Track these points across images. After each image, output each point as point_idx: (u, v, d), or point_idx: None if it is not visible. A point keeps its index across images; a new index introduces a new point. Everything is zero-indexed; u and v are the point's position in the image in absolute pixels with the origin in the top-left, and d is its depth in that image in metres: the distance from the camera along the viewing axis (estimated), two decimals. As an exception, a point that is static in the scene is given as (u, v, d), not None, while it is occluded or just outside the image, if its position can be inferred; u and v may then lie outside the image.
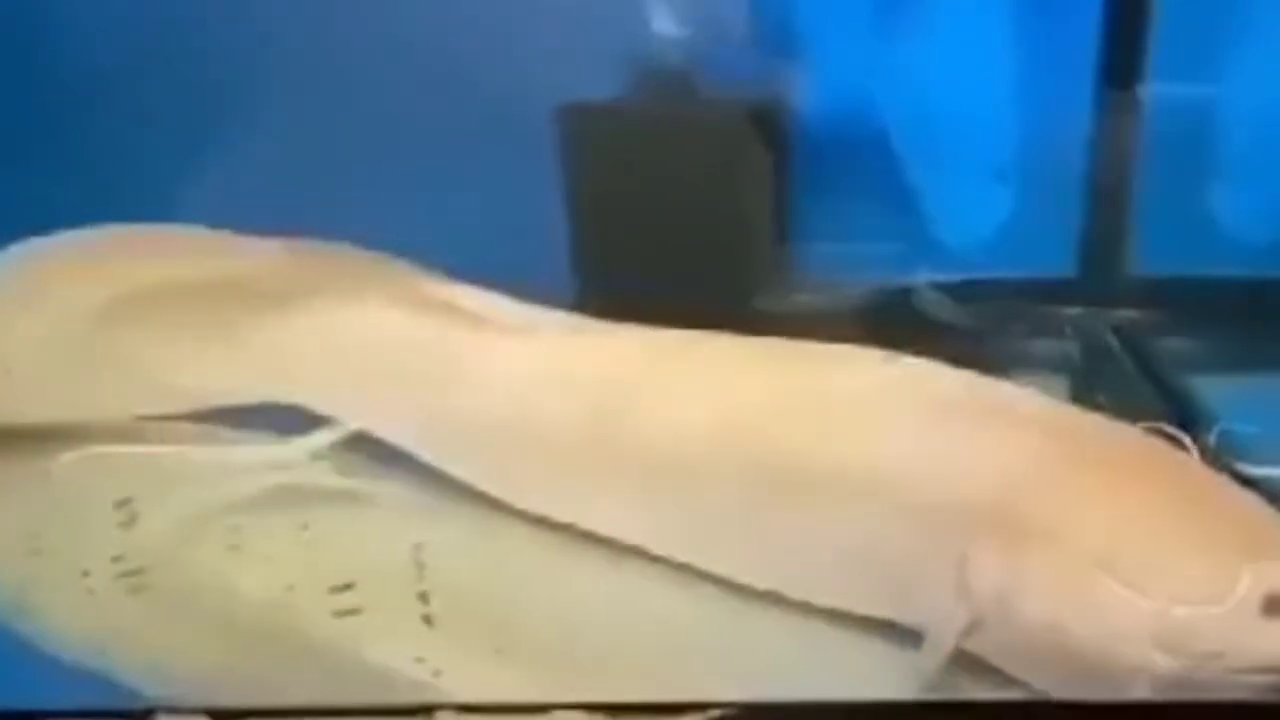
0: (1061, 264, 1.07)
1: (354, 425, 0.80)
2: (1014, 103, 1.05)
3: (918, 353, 0.66)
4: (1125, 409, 0.74)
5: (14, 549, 0.74)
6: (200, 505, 0.77)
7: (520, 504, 0.73)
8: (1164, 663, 0.52)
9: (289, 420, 0.82)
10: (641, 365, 0.71)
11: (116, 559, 0.71)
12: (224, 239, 0.85)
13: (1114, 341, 1.01)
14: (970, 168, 1.07)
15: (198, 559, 0.72)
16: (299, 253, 0.84)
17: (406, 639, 0.64)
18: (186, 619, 0.67)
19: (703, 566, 0.67)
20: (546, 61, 1.00)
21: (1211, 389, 0.88)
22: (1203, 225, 1.04)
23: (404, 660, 0.62)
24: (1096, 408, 0.67)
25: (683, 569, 0.67)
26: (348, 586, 0.68)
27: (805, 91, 1.06)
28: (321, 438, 0.81)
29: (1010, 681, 0.57)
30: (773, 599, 0.64)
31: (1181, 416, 0.78)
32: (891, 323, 1.03)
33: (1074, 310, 1.05)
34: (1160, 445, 0.61)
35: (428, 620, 0.65)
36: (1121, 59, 1.02)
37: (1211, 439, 0.76)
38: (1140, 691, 0.52)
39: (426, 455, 0.78)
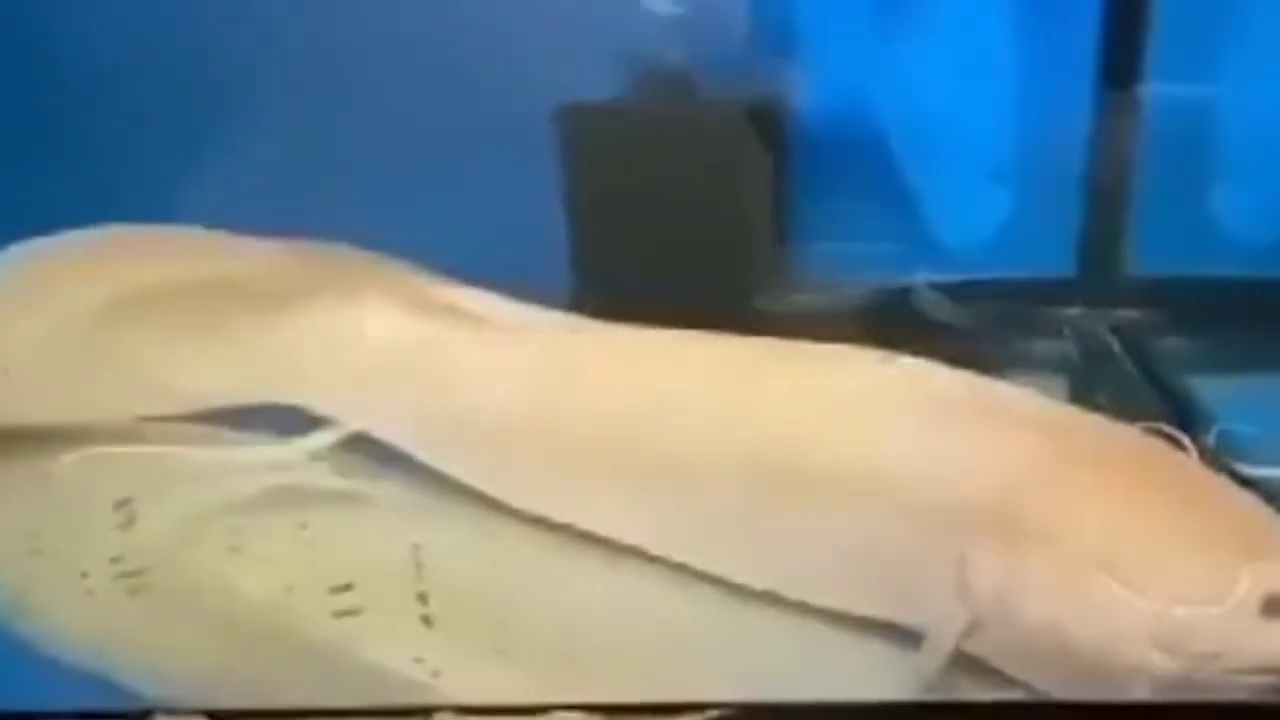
0: (1061, 264, 1.06)
1: (353, 426, 0.80)
2: (1013, 103, 1.04)
3: (917, 353, 0.66)
4: (1124, 409, 0.74)
5: (13, 549, 0.74)
6: (199, 506, 0.77)
7: (518, 504, 0.73)
8: (1163, 663, 0.52)
9: (289, 421, 0.82)
10: (640, 366, 0.71)
11: (116, 560, 0.71)
12: (224, 239, 0.85)
13: (1113, 342, 1.01)
14: (969, 168, 1.07)
15: (197, 560, 0.72)
16: (299, 253, 0.84)
17: (405, 640, 0.64)
18: (185, 620, 0.67)
19: (702, 567, 0.67)
20: (546, 61, 1.00)
21: (1210, 389, 0.88)
22: (1202, 225, 1.03)
23: (403, 661, 0.62)
24: (1096, 408, 0.67)
25: (682, 569, 0.67)
26: (347, 587, 0.68)
27: (805, 91, 1.06)
28: (321, 438, 0.81)
29: (1010, 682, 0.57)
30: (771, 599, 0.65)
31: (1180, 417, 0.78)
32: (891, 323, 1.02)
33: (1073, 310, 1.05)
34: (1159, 445, 0.61)
35: (426, 621, 0.65)
36: (1121, 59, 1.02)
37: (1210, 439, 0.76)
38: (1139, 692, 0.52)
39: (424, 455, 0.78)
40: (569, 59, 1.00)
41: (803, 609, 0.64)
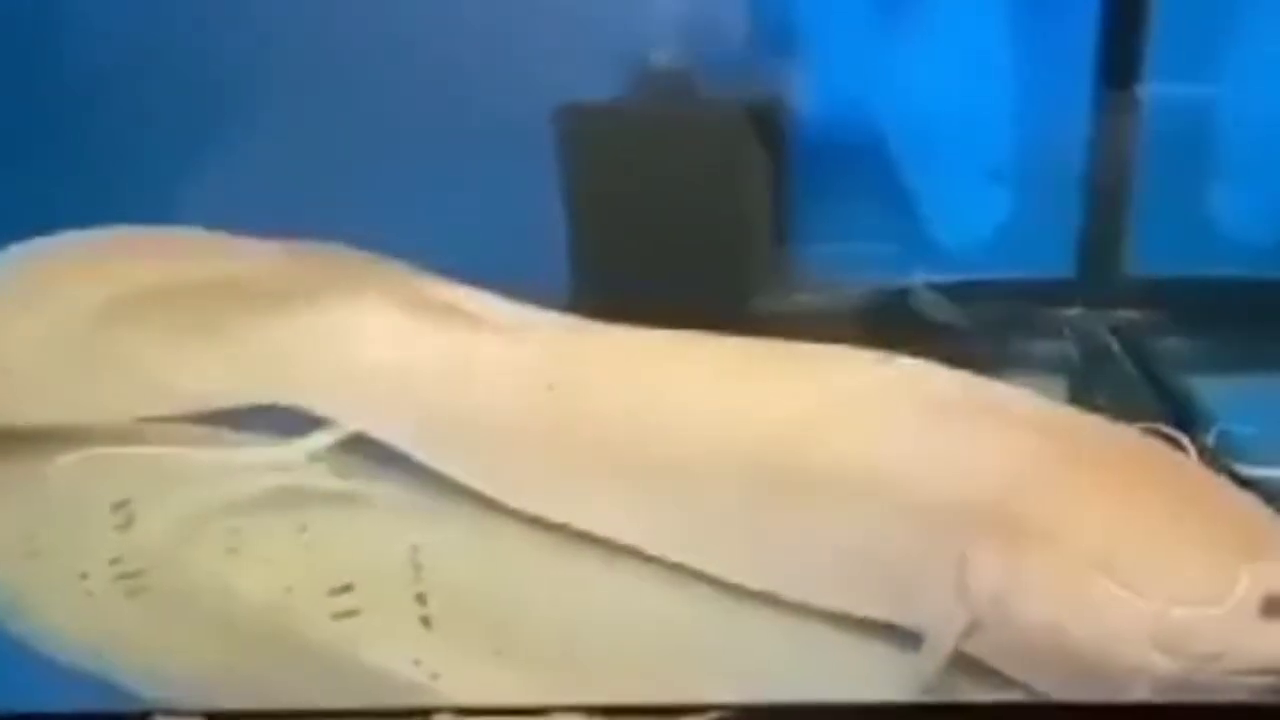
0: (1060, 265, 1.06)
1: (352, 426, 0.80)
2: (1012, 103, 1.04)
3: (915, 353, 0.66)
4: (1124, 410, 0.74)
5: (12, 550, 0.74)
6: (198, 507, 0.77)
7: (518, 504, 0.73)
8: (1163, 664, 0.52)
9: (288, 421, 0.82)
10: (639, 366, 0.71)
11: (115, 561, 0.71)
12: (223, 240, 0.85)
13: (1112, 342, 1.01)
14: (969, 168, 1.07)
15: (196, 561, 0.72)
16: (298, 254, 0.84)
17: (404, 640, 0.64)
18: (184, 621, 0.67)
19: (701, 567, 0.67)
20: (546, 62, 1.00)
21: (1210, 389, 0.88)
22: (1201, 225, 1.03)
23: (402, 662, 0.62)
24: (1095, 408, 0.67)
25: (681, 569, 0.67)
26: (346, 588, 0.68)
27: (805, 92, 1.05)
28: (320, 439, 0.81)
29: (1009, 683, 0.57)
30: (771, 599, 0.64)
31: (1180, 417, 0.78)
32: (890, 323, 1.02)
33: (1072, 311, 1.05)
34: (1158, 446, 0.61)
35: (425, 622, 0.65)
36: (1120, 59, 1.02)
37: (1210, 439, 0.76)
38: (1139, 692, 0.52)
39: (423, 455, 0.78)
40: (569, 59, 1.00)
41: (802, 609, 0.64)
